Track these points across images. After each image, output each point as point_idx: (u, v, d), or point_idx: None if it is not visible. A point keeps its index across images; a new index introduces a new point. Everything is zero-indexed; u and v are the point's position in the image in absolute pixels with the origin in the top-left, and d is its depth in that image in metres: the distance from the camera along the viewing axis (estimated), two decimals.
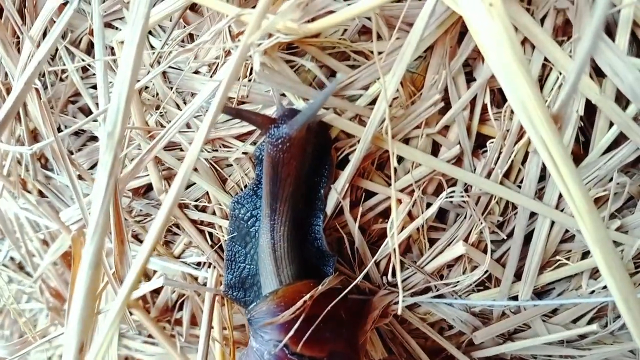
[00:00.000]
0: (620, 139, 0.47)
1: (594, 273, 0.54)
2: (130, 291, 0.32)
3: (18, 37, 0.59)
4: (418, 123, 0.49)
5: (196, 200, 0.60)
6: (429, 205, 0.53)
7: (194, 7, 0.54)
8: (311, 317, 0.45)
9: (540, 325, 0.57)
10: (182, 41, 0.54)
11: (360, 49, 0.49)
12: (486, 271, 0.53)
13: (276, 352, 0.45)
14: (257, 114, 0.46)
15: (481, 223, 0.51)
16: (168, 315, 0.71)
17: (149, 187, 0.63)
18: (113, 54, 0.58)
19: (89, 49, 0.61)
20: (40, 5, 0.56)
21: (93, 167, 0.66)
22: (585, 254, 0.53)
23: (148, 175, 0.59)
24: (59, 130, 0.63)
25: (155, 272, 0.69)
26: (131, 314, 0.59)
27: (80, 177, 0.60)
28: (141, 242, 0.67)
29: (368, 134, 0.48)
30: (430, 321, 0.61)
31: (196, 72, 0.55)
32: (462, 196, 0.51)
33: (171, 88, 0.56)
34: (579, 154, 0.50)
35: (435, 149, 0.52)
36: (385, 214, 0.55)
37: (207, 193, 0.59)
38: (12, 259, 0.88)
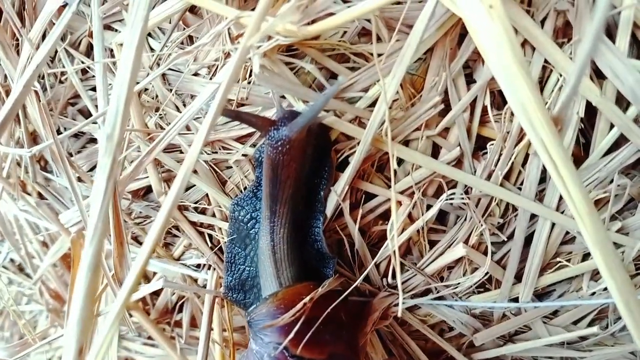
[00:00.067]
0: (620, 141, 0.48)
1: (595, 275, 0.54)
2: (129, 293, 0.32)
3: (17, 40, 0.59)
4: (418, 125, 0.49)
5: (196, 202, 0.60)
6: (429, 207, 0.53)
7: (193, 10, 0.54)
8: (311, 319, 0.45)
9: (540, 327, 0.57)
10: (182, 43, 0.54)
11: (360, 51, 0.49)
12: (486, 273, 0.53)
13: (276, 355, 0.45)
14: (256, 116, 0.46)
15: (481, 225, 0.51)
16: (168, 317, 0.71)
17: (148, 189, 0.62)
18: (112, 56, 0.58)
19: (89, 51, 0.61)
20: (40, 7, 0.56)
21: (92, 169, 0.66)
22: (586, 256, 0.53)
23: (147, 177, 0.59)
24: (59, 132, 0.63)
25: (155, 274, 0.69)
26: (131, 315, 0.59)
27: (79, 179, 0.60)
28: (141, 244, 0.67)
29: (368, 136, 0.47)
30: (431, 323, 0.61)
31: (196, 74, 0.55)
32: (463, 198, 0.51)
33: (171, 90, 0.56)
34: (580, 155, 0.50)
35: (435, 151, 0.51)
36: (385, 216, 0.55)
37: (207, 195, 0.59)
38: (12, 260, 0.87)
